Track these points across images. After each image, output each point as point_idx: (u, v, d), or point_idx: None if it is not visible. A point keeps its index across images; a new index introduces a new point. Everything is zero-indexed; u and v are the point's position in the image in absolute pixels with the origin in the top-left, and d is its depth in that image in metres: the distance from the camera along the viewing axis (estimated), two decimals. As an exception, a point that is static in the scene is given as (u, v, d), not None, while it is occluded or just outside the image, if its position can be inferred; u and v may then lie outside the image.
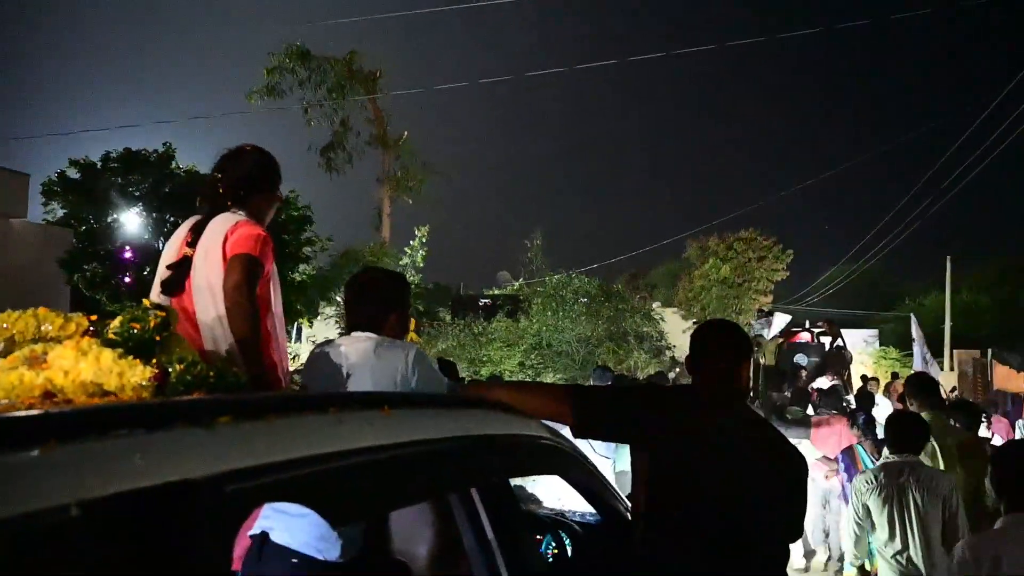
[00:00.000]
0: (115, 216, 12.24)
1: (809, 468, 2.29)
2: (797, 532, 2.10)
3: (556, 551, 2.65)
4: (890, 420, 3.86)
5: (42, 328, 1.55)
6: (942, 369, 20.92)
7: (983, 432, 7.44)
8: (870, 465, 5.02)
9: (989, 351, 16.08)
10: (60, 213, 12.87)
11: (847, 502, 5.09)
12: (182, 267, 2.25)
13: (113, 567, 0.78)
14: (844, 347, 11.02)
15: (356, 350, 2.16)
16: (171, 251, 2.33)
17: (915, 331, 12.25)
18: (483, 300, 18.11)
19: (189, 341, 2.08)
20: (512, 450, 1.84)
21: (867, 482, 3.67)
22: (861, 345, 23.19)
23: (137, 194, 12.37)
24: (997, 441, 7.55)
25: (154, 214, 12.35)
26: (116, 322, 1.68)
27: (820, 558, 6.62)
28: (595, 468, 2.38)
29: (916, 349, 12.10)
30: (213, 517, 0.90)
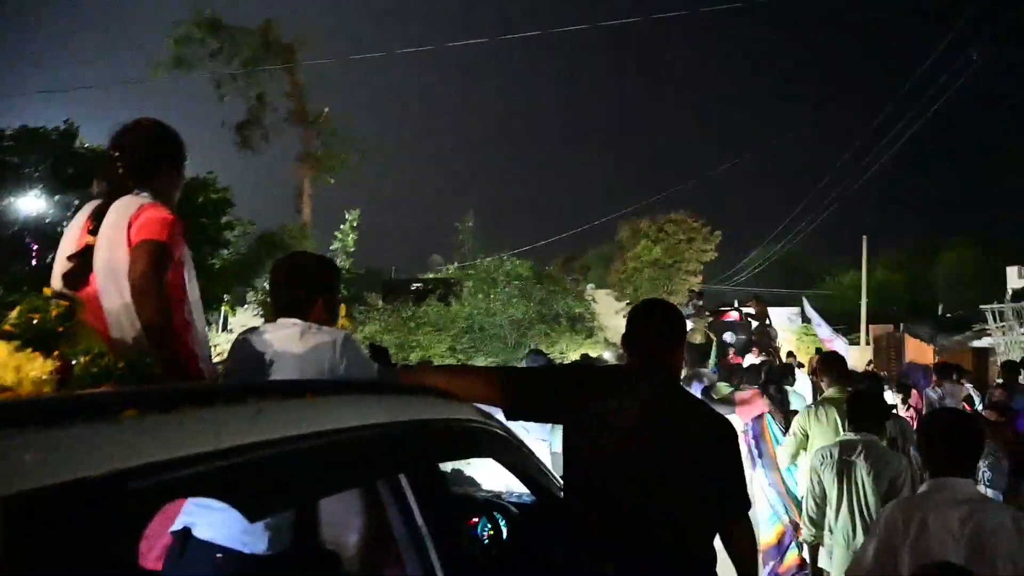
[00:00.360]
0: (11, 199, 11.46)
1: None
2: (743, 501, 2.12)
3: (492, 533, 2.68)
4: (851, 398, 3.99)
5: (-67, 321, 1.45)
6: (858, 344, 22.12)
7: (902, 411, 7.93)
8: (778, 434, 5.27)
9: (901, 325, 17.07)
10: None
11: (754, 468, 5.39)
12: (84, 256, 2.11)
13: (7, 572, 0.75)
14: (770, 325, 11.58)
15: (281, 337, 2.09)
16: (71, 239, 2.18)
17: (808, 311, 13.48)
18: (415, 284, 17.87)
19: (97, 333, 1.98)
20: (443, 435, 1.84)
21: (822, 457, 3.82)
22: (786, 323, 24.25)
23: (36, 175, 11.61)
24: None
25: (56, 196, 11.63)
26: (14, 313, 1.60)
27: None
28: (529, 450, 2.41)
29: (818, 327, 13.07)
30: (115, 516, 0.87)
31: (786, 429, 5.26)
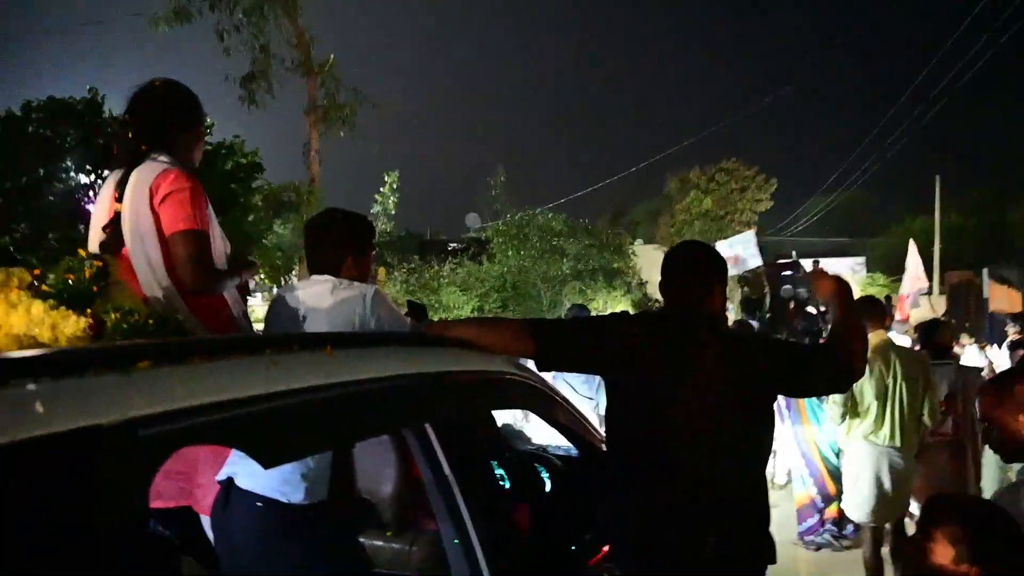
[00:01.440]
0: (43, 171, 11.89)
1: None
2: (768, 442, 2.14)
3: (534, 485, 2.78)
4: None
5: (-18, 284, 1.57)
6: (930, 293, 21.53)
7: (979, 360, 7.79)
8: None
9: (984, 271, 16.25)
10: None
11: (782, 422, 5.49)
12: (116, 224, 2.23)
13: (12, 518, 0.82)
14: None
15: (312, 293, 2.22)
16: (101, 209, 2.31)
17: (913, 257, 12.22)
18: (451, 245, 17.89)
19: (130, 291, 2.11)
20: (469, 386, 1.91)
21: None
22: (848, 273, 23.76)
23: (66, 146, 12.00)
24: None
25: (87, 167, 12.03)
26: (52, 275, 1.72)
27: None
28: (567, 404, 2.48)
29: (910, 272, 12.23)
30: (124, 462, 0.93)
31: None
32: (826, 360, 2.07)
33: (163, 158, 2.27)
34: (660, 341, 2.04)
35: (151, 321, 1.69)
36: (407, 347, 1.77)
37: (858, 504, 4.21)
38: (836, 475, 5.20)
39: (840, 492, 5.21)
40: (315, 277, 2.27)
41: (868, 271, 24.14)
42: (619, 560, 2.05)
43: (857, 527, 4.99)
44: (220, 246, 2.38)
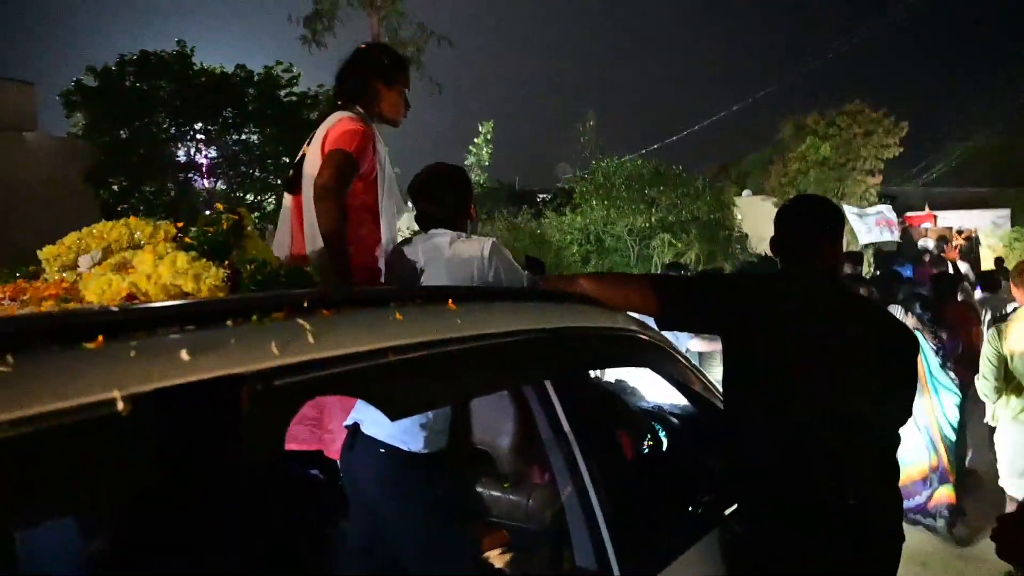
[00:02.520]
0: (138, 124, 12.60)
1: None
2: (906, 413, 2.19)
3: (652, 443, 2.87)
4: None
5: (134, 236, 1.76)
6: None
7: None
8: (929, 356, 5.09)
9: None
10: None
11: None
12: (298, 166, 2.53)
13: (158, 458, 0.93)
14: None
15: (431, 246, 2.36)
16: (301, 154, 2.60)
17: None
18: (541, 196, 17.55)
19: (292, 239, 2.48)
20: (589, 343, 2.00)
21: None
22: (989, 227, 22.37)
23: (159, 99, 12.67)
24: None
25: (180, 119, 12.67)
26: (195, 228, 1.91)
27: None
28: (689, 361, 2.54)
29: None
30: (261, 410, 1.03)
31: (940, 349, 5.21)
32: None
33: (353, 110, 2.51)
34: (786, 301, 2.09)
35: (283, 273, 1.86)
36: (525, 302, 1.87)
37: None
38: (952, 454, 5.07)
39: (958, 474, 5.11)
40: (434, 231, 2.41)
41: (1013, 224, 22.62)
42: (754, 518, 2.10)
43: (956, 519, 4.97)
44: (389, 200, 2.55)
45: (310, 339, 1.15)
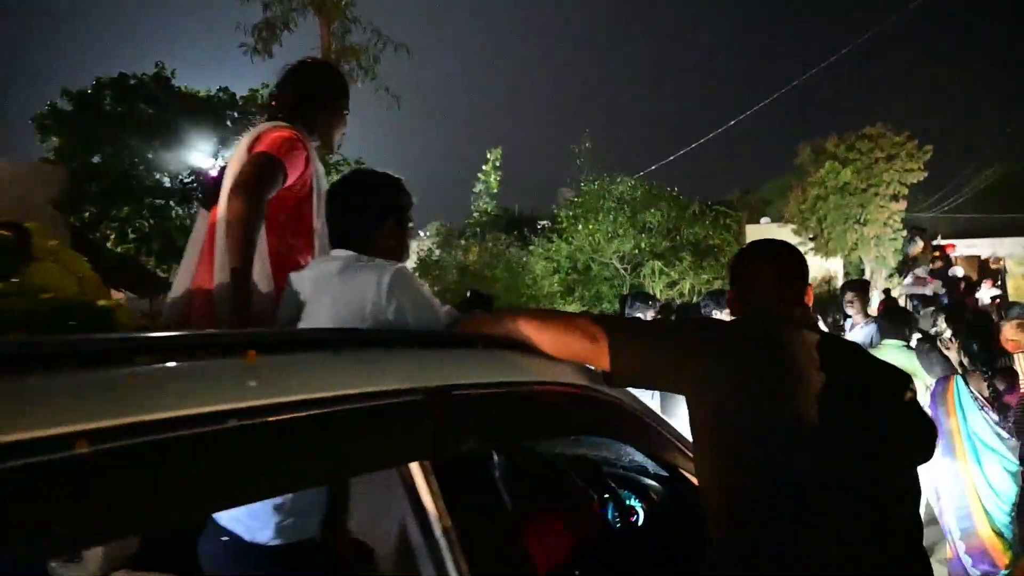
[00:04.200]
0: (112, 149, 12.30)
1: None
2: (926, 452, 1.77)
3: (622, 519, 2.33)
4: None
5: None
6: None
7: None
8: (969, 404, 4.22)
9: None
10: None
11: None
12: (218, 178, 2.33)
13: None
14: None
15: (319, 274, 1.91)
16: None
17: None
18: (541, 223, 17.05)
19: (200, 264, 2.26)
20: (500, 405, 1.47)
21: None
22: (1020, 252, 21.76)
23: (135, 122, 12.39)
24: None
25: (155, 142, 12.37)
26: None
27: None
28: (660, 422, 2.05)
29: None
30: None
31: (987, 396, 4.26)
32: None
33: (288, 124, 2.34)
34: (756, 353, 1.70)
35: (55, 308, 1.36)
36: (404, 350, 1.34)
37: None
38: (1004, 542, 4.02)
39: (1012, 566, 4.01)
40: (334, 252, 1.94)
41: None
42: None
43: None
44: (319, 227, 2.32)
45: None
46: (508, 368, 1.54)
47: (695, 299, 12.59)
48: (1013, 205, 29.74)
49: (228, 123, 12.74)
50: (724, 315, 6.37)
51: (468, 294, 2.23)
